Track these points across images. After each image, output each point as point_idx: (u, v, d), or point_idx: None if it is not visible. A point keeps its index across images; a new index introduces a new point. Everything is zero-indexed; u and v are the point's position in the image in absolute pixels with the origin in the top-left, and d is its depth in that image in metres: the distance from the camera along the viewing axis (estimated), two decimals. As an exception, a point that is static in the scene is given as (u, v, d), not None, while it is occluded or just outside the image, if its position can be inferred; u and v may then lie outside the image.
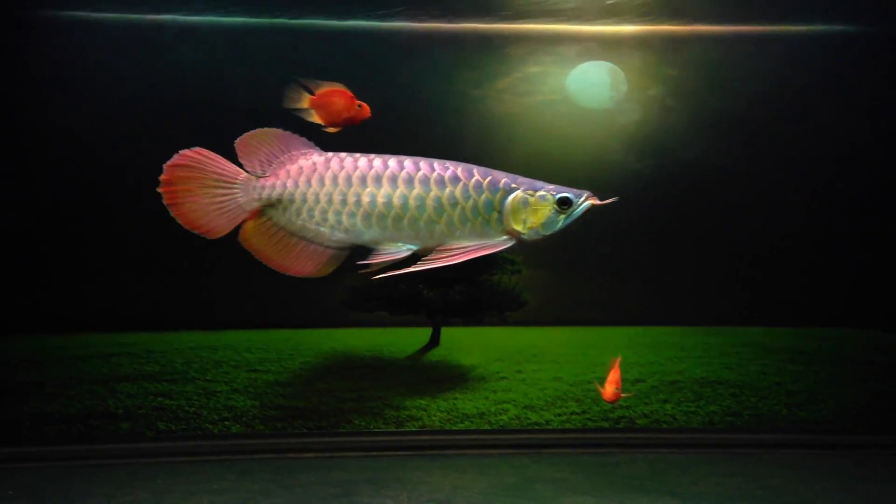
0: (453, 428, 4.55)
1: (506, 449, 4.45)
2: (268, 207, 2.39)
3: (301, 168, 2.35)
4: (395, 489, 3.78)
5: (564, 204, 2.31)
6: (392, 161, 2.34)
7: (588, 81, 4.52)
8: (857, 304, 4.59)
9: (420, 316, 4.62)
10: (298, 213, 2.36)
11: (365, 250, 2.44)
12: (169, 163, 2.37)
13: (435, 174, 2.30)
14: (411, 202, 2.28)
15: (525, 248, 4.54)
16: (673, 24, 4.46)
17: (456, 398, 4.59)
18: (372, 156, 2.36)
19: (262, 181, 2.37)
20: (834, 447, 4.43)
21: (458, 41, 4.50)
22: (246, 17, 4.36)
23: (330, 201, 2.33)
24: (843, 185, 4.49)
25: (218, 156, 2.40)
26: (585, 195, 2.32)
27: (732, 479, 3.93)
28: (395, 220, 2.30)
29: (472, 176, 2.31)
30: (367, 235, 2.35)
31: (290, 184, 2.35)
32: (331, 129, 3.19)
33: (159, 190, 2.37)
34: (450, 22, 4.44)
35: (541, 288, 4.61)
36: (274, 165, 2.39)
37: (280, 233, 2.40)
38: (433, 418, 4.55)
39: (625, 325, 4.72)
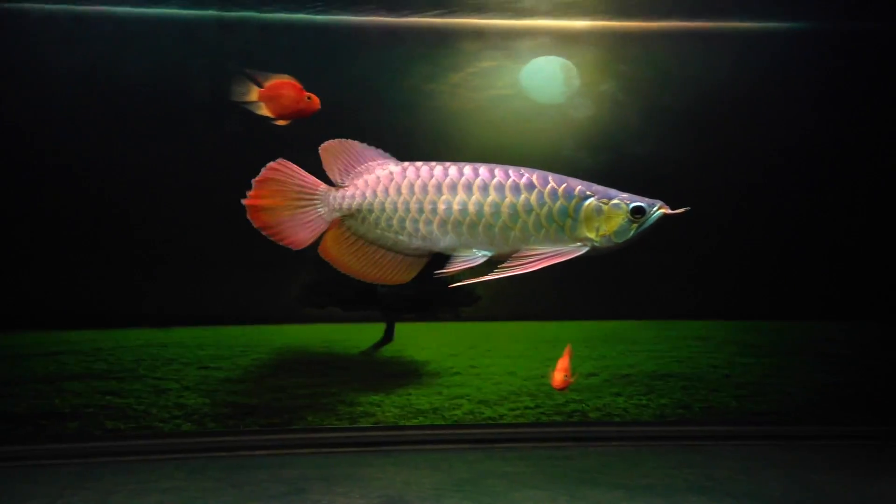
0: (407, 423, 4.54)
1: (460, 444, 4.46)
2: (347, 217, 2.41)
3: (378, 178, 2.37)
4: (346, 486, 3.76)
5: (638, 213, 2.33)
6: (467, 169, 2.35)
7: (541, 77, 4.53)
8: (802, 296, 4.68)
9: (373, 311, 4.60)
10: (377, 223, 2.38)
11: (442, 257, 2.44)
12: (258, 178, 2.46)
13: (510, 181, 2.31)
14: (486, 209, 2.29)
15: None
16: (624, 21, 4.49)
17: (410, 394, 4.58)
18: (447, 164, 2.37)
19: (341, 192, 2.40)
20: (780, 438, 4.51)
21: (411, 36, 4.48)
22: (193, 10, 4.29)
23: (407, 210, 2.35)
24: (791, 179, 4.56)
25: (299, 168, 2.45)
26: (658, 205, 2.35)
27: (681, 471, 3.98)
28: (471, 226, 2.31)
29: (548, 183, 2.32)
30: (443, 242, 2.35)
31: (368, 193, 2.37)
32: (280, 122, 3.16)
33: (245, 203, 2.46)
34: (403, 16, 4.41)
35: (495, 282, 4.59)
36: (352, 175, 2.42)
37: (359, 242, 2.43)
38: (387, 414, 4.54)
39: (578, 320, 4.75)
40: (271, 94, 3.07)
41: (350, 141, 2.48)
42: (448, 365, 4.65)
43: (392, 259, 2.42)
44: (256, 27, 4.36)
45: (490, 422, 4.58)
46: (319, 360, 4.59)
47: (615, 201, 2.31)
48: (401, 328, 4.63)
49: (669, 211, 2.33)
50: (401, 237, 2.37)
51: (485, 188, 2.30)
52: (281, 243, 2.45)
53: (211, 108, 3.63)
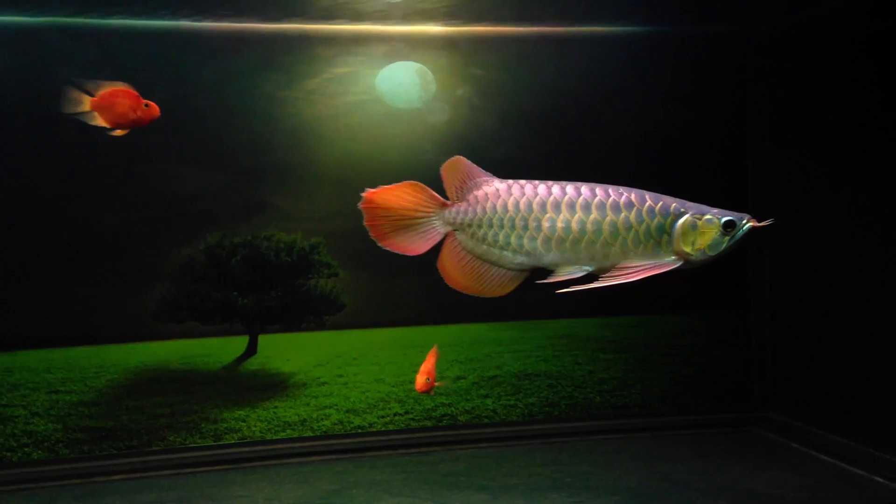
0: (274, 437, 4.44)
1: (328, 455, 4.39)
2: (458, 232, 2.52)
3: (486, 194, 2.47)
4: (205, 506, 3.66)
5: (729, 227, 2.41)
6: (569, 188, 2.43)
7: (397, 82, 4.52)
8: (656, 291, 4.83)
9: (235, 324, 4.47)
10: (484, 238, 2.47)
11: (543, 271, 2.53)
12: (368, 191, 2.60)
13: (610, 200, 2.40)
14: (589, 227, 2.38)
15: (343, 252, 4.54)
16: (477, 25, 4.53)
17: (276, 406, 4.48)
18: (549, 182, 2.46)
19: (455, 206, 2.52)
20: (641, 430, 4.65)
21: (263, 43, 4.39)
22: (17, 16, 4.07)
23: (512, 226, 2.44)
24: (648, 179, 4.70)
25: (421, 185, 2.58)
26: (746, 218, 2.43)
27: (546, 469, 4.05)
28: (574, 243, 2.39)
29: (645, 201, 2.41)
30: (546, 258, 2.44)
31: (478, 209, 2.47)
32: (117, 132, 3.03)
33: (366, 225, 2.62)
34: (253, 23, 4.32)
35: (359, 290, 4.57)
36: (464, 192, 2.52)
37: (466, 256, 2.52)
38: (253, 429, 4.43)
39: (444, 324, 4.75)
40: (105, 104, 2.93)
41: (462, 158, 2.62)
42: (315, 375, 4.57)
43: (495, 273, 2.52)
44: (99, 34, 4.17)
45: (359, 430, 4.53)
46: (179, 377, 4.43)
47: (708, 217, 2.41)
48: (264, 340, 4.52)
49: (757, 223, 2.43)
50: (506, 252, 2.46)
51: (587, 207, 2.40)
52: (400, 252, 2.60)
53: (46, 118, 3.43)
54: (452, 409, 4.65)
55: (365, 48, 4.49)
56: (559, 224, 2.40)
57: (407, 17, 4.33)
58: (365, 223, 2.65)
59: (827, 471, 3.94)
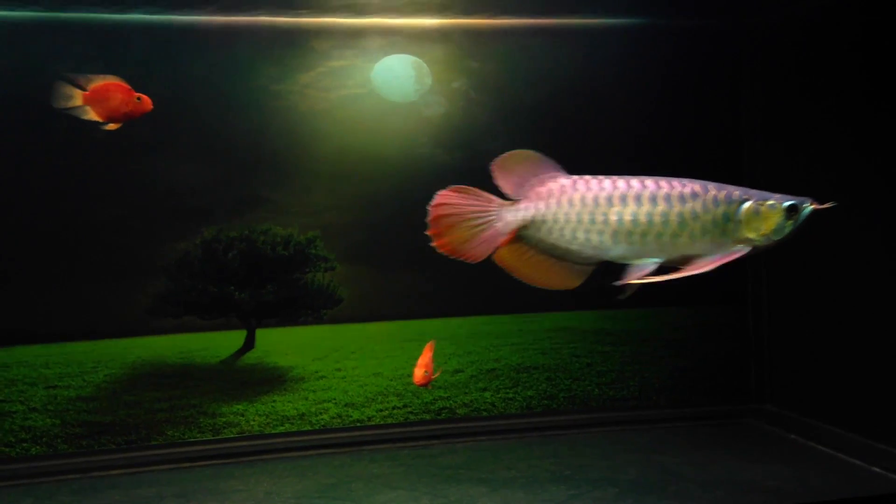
0: (272, 431, 4.44)
1: (327, 449, 4.40)
2: (521, 228, 2.52)
3: (551, 190, 2.48)
4: (205, 500, 3.66)
5: (792, 211, 2.44)
6: (634, 181, 2.45)
7: (393, 75, 4.51)
8: (651, 284, 4.84)
9: (232, 318, 4.47)
10: (550, 233, 2.48)
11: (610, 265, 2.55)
12: (432, 203, 2.61)
13: (676, 192, 2.42)
14: (656, 218, 2.40)
15: (339, 246, 4.54)
16: (473, 18, 4.52)
17: (274, 401, 4.49)
18: (613, 177, 2.48)
19: (515, 205, 2.51)
20: (639, 422, 4.66)
21: (257, 36, 4.37)
22: (9, 11, 4.06)
23: (580, 221, 2.44)
24: (642, 173, 4.70)
25: (473, 189, 2.57)
26: (808, 201, 2.46)
27: (544, 462, 4.05)
28: (642, 235, 2.41)
29: (709, 191, 2.44)
30: (614, 252, 2.46)
31: (542, 206, 2.47)
32: (110, 127, 3.02)
33: (428, 233, 2.62)
34: (247, 16, 4.30)
35: (356, 284, 4.57)
36: (525, 188, 2.52)
37: (531, 251, 2.53)
38: (251, 423, 4.43)
39: (442, 317, 4.75)
40: (97, 97, 2.92)
41: (526, 151, 2.61)
42: (313, 369, 4.57)
43: (562, 267, 2.53)
44: (91, 29, 4.16)
45: (358, 424, 4.53)
46: (177, 371, 4.43)
47: (770, 202, 2.44)
48: (262, 334, 4.52)
49: (819, 206, 2.45)
50: (573, 247, 2.47)
51: (653, 199, 2.42)
52: (460, 259, 2.62)
53: (40, 113, 3.41)
54: (451, 402, 4.65)
55: (360, 41, 4.48)
56: (627, 217, 2.42)
57: (402, 10, 4.32)
58: (430, 233, 2.66)
59: (824, 462, 3.95)
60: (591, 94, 4.65)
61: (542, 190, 2.50)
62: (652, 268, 2.46)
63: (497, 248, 2.58)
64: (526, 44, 4.60)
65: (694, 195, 2.44)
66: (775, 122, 4.62)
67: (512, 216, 2.52)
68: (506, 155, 2.62)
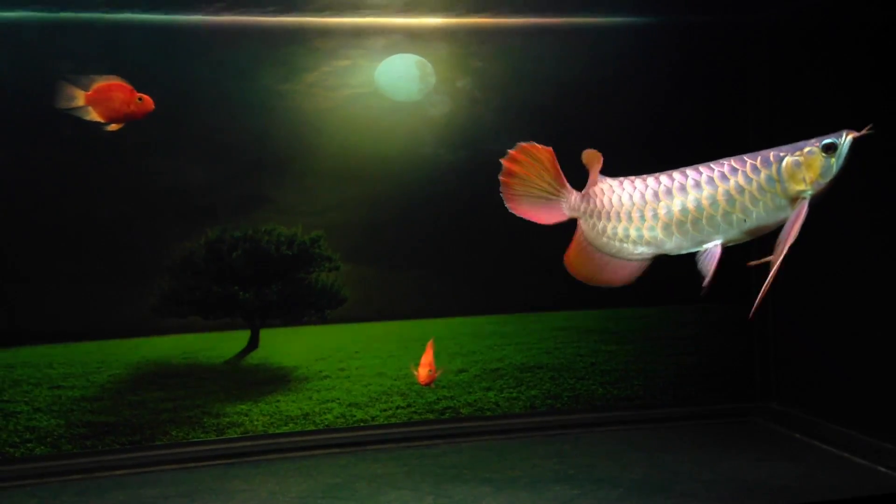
0: (277, 431, 4.45)
1: (331, 449, 4.40)
2: (580, 220, 2.56)
3: (602, 190, 2.52)
4: (209, 500, 3.66)
5: (831, 149, 2.43)
6: (675, 174, 2.49)
7: (396, 74, 4.51)
8: (655, 282, 4.83)
9: (236, 318, 4.47)
10: (603, 231, 2.52)
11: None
12: (518, 149, 2.60)
13: (716, 173, 2.46)
14: (704, 202, 2.43)
15: (343, 245, 4.54)
16: (477, 17, 4.51)
17: (279, 400, 4.49)
18: (654, 174, 2.51)
19: (577, 195, 2.56)
20: (644, 421, 4.65)
21: (263, 36, 4.37)
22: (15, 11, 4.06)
23: (630, 219, 2.49)
24: (644, 169, 4.69)
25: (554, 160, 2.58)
26: (845, 133, 2.44)
27: (548, 461, 4.05)
28: (695, 223, 2.44)
29: (745, 162, 2.46)
30: (669, 244, 2.49)
31: (597, 203, 2.52)
32: (112, 127, 3.02)
33: (501, 178, 2.58)
34: (253, 16, 4.30)
35: (360, 283, 4.57)
36: (588, 184, 2.55)
37: (589, 248, 2.56)
38: (255, 423, 4.43)
39: (445, 317, 4.75)
40: (99, 98, 2.92)
41: (594, 152, 2.58)
42: (317, 369, 4.57)
43: (617, 264, 2.55)
44: (97, 29, 4.17)
45: (362, 424, 4.53)
46: (181, 371, 4.43)
47: (808, 149, 2.45)
48: (266, 334, 4.52)
49: (857, 134, 2.43)
50: (625, 245, 2.51)
51: (697, 185, 2.44)
52: (526, 217, 2.60)
53: (44, 113, 3.41)
54: (455, 401, 4.65)
55: (364, 41, 4.48)
56: (675, 208, 2.44)
57: (406, 9, 4.31)
58: (500, 179, 2.61)
59: (828, 460, 3.94)
60: (595, 93, 4.64)
61: (597, 188, 2.54)
62: (718, 251, 2.49)
63: (557, 221, 2.60)
64: (530, 43, 4.60)
65: (733, 170, 2.46)
66: (783, 117, 4.61)
67: (574, 204, 2.56)
68: (588, 151, 2.63)
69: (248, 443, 4.38)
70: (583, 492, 3.58)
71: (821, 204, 2.45)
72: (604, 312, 4.87)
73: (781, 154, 2.48)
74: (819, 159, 2.44)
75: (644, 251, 2.52)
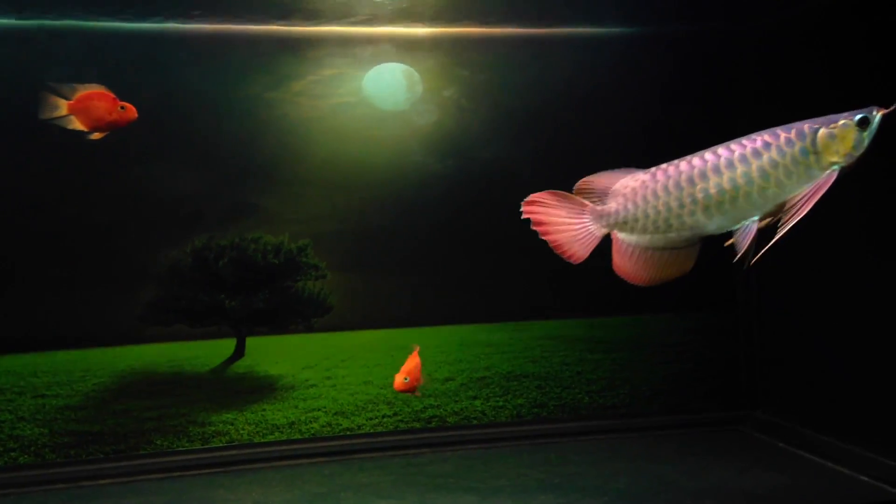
0: (262, 440, 4.43)
1: (317, 458, 4.39)
2: (618, 231, 2.59)
3: (634, 189, 2.56)
4: (192, 510, 3.65)
5: (864, 123, 2.48)
6: (707, 154, 2.52)
7: (384, 83, 4.52)
8: (641, 290, 4.84)
9: (223, 327, 4.46)
10: (644, 229, 2.55)
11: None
12: (526, 201, 2.67)
13: (748, 149, 2.48)
14: (740, 180, 2.45)
15: (330, 254, 4.54)
16: (464, 27, 4.52)
17: (264, 409, 4.47)
18: (687, 157, 2.55)
19: (604, 209, 2.60)
20: (630, 430, 4.65)
21: (250, 44, 4.38)
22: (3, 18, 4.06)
23: (669, 209, 2.51)
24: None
25: (565, 194, 2.65)
26: (875, 109, 2.49)
27: (533, 470, 4.04)
28: (732, 201, 2.46)
29: (778, 135, 2.49)
30: (710, 226, 2.52)
31: (630, 206, 2.55)
32: (96, 136, 3.01)
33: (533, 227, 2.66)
34: (239, 24, 4.30)
35: (346, 292, 4.56)
36: (611, 195, 2.60)
37: (636, 250, 2.60)
38: (241, 432, 4.42)
39: (432, 325, 4.75)
40: (81, 107, 2.92)
41: (597, 174, 2.66)
42: (303, 377, 4.56)
43: (668, 256, 2.58)
44: (85, 37, 4.16)
45: (348, 433, 4.52)
46: (167, 380, 4.42)
47: (842, 122, 2.48)
48: (252, 342, 4.51)
49: (885, 110, 2.49)
50: (670, 234, 2.53)
51: (731, 164, 2.47)
52: (563, 257, 2.65)
53: (30, 119, 3.40)
54: (441, 410, 4.65)
55: (351, 50, 4.48)
56: (712, 190, 2.47)
57: (394, 19, 4.32)
58: (536, 227, 2.69)
59: (813, 470, 3.95)
60: (582, 103, 4.66)
61: (626, 191, 2.57)
62: (754, 228, 2.50)
63: (593, 248, 2.64)
64: (516, 52, 4.61)
65: (766, 145, 2.49)
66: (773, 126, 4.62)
67: (604, 220, 2.60)
68: (583, 181, 2.67)
69: (234, 452, 4.36)
70: (568, 501, 3.58)
71: (846, 178, 2.48)
72: (590, 321, 4.87)
73: (815, 126, 2.51)
74: (853, 132, 2.48)
75: (689, 237, 2.55)
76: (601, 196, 2.64)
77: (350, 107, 4.49)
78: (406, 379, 3.71)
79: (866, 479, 3.75)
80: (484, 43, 4.60)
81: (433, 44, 4.55)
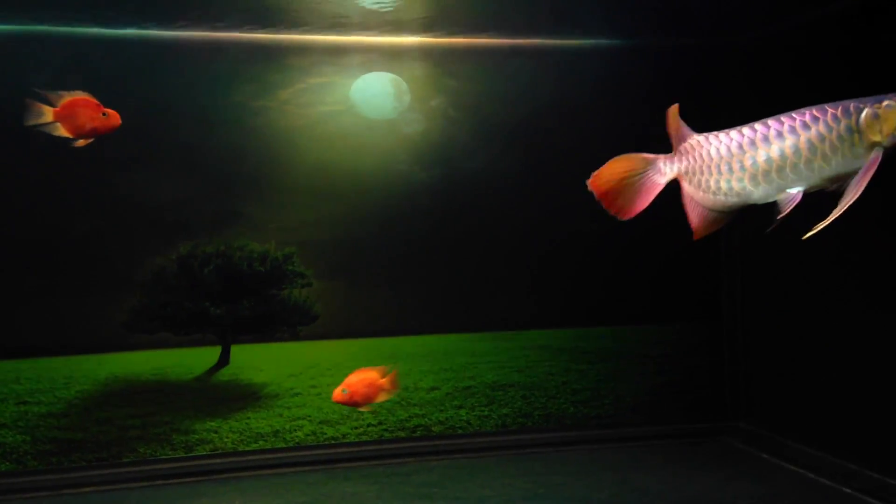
0: (246, 448, 4.41)
1: (301, 466, 4.38)
2: (683, 182, 2.65)
3: (692, 146, 2.63)
4: (175, 519, 3.63)
5: None
6: (757, 125, 2.58)
7: (371, 92, 4.53)
8: (626, 302, 4.87)
9: (208, 334, 4.45)
10: (699, 185, 2.61)
11: None
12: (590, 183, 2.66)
13: (797, 122, 2.54)
14: (788, 151, 2.52)
15: (316, 262, 4.53)
16: (452, 37, 4.54)
17: (249, 418, 4.46)
18: (737, 128, 2.60)
19: (667, 160, 2.65)
20: (615, 440, 4.67)
21: (237, 52, 4.38)
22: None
23: (720, 172, 2.58)
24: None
25: (630, 155, 2.66)
26: None
27: (518, 480, 4.05)
28: (779, 170, 2.53)
29: (826, 111, 2.53)
30: (756, 194, 2.58)
31: (689, 159, 2.63)
32: (81, 143, 2.99)
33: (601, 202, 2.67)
34: (226, 31, 4.31)
35: (332, 300, 4.56)
36: (678, 143, 2.66)
37: (692, 202, 2.67)
38: (225, 440, 4.40)
39: (418, 335, 4.75)
40: (66, 113, 2.89)
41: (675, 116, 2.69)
42: (288, 386, 4.55)
43: (709, 216, 2.65)
44: (71, 44, 4.15)
45: (332, 441, 4.51)
46: (150, 388, 4.39)
47: (886, 103, 2.52)
48: (237, 350, 4.50)
49: None
50: (718, 197, 2.60)
51: (779, 135, 2.53)
52: (617, 214, 2.67)
53: (15, 126, 3.39)
54: (426, 419, 4.64)
55: (340, 58, 4.49)
56: (760, 158, 2.53)
57: (382, 28, 4.33)
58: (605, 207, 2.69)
59: (795, 481, 3.97)
60: (568, 114, 4.67)
61: (687, 145, 2.64)
62: (798, 197, 2.57)
63: (651, 198, 2.65)
64: (504, 63, 4.63)
65: (815, 119, 2.54)
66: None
67: (667, 168, 2.66)
68: (671, 109, 2.71)
69: (217, 460, 4.35)
70: (552, 511, 3.59)
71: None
72: (575, 332, 4.89)
73: (861, 105, 2.58)
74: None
75: (734, 202, 2.63)
76: (677, 138, 2.69)
77: (337, 115, 4.50)
78: (345, 391, 3.41)
79: (849, 490, 3.77)
80: (471, 53, 4.61)
81: (421, 53, 4.57)
